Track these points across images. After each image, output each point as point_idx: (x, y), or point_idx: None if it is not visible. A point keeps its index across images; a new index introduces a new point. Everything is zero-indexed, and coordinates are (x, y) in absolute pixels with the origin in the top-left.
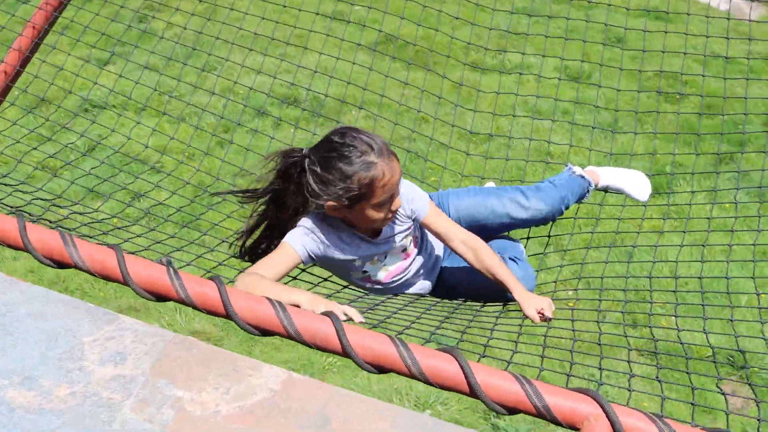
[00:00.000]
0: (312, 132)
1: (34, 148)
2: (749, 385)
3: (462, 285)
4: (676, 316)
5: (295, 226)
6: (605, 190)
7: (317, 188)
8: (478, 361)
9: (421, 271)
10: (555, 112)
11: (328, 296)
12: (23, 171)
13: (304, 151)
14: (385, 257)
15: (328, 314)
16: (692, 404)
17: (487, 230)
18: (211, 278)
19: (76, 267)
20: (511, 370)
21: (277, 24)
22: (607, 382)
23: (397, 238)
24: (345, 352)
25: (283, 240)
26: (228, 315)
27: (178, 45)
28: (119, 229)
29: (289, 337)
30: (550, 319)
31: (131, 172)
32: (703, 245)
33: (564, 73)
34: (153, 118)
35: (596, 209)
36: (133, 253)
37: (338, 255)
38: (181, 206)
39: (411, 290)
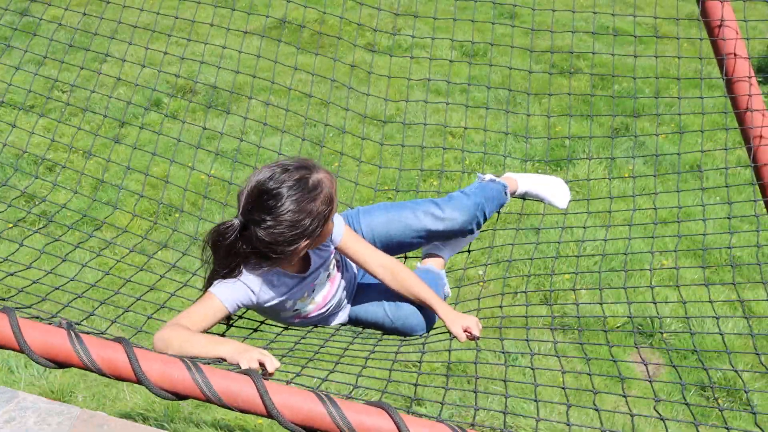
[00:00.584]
0: (203, 126)
1: None
2: (668, 348)
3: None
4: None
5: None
6: (523, 197)
7: (288, 238)
8: (409, 410)
9: (345, 295)
10: (451, 92)
11: (244, 339)
12: None
13: (236, 222)
14: (313, 290)
15: (247, 373)
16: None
17: (404, 247)
18: (117, 340)
19: None
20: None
21: (161, 12)
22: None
23: (324, 267)
24: (269, 414)
25: (210, 290)
26: (139, 380)
27: (63, 38)
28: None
29: (208, 400)
30: (477, 338)
31: (21, 176)
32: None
33: (459, 51)
34: (42, 117)
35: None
36: (29, 306)
37: (271, 302)
38: (83, 212)
39: (336, 320)
